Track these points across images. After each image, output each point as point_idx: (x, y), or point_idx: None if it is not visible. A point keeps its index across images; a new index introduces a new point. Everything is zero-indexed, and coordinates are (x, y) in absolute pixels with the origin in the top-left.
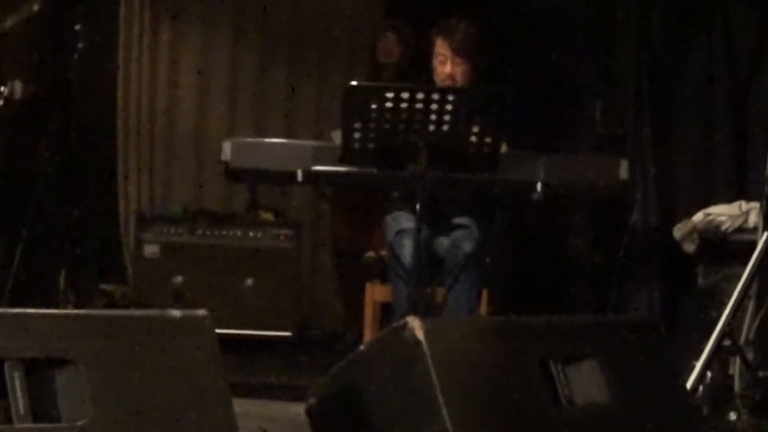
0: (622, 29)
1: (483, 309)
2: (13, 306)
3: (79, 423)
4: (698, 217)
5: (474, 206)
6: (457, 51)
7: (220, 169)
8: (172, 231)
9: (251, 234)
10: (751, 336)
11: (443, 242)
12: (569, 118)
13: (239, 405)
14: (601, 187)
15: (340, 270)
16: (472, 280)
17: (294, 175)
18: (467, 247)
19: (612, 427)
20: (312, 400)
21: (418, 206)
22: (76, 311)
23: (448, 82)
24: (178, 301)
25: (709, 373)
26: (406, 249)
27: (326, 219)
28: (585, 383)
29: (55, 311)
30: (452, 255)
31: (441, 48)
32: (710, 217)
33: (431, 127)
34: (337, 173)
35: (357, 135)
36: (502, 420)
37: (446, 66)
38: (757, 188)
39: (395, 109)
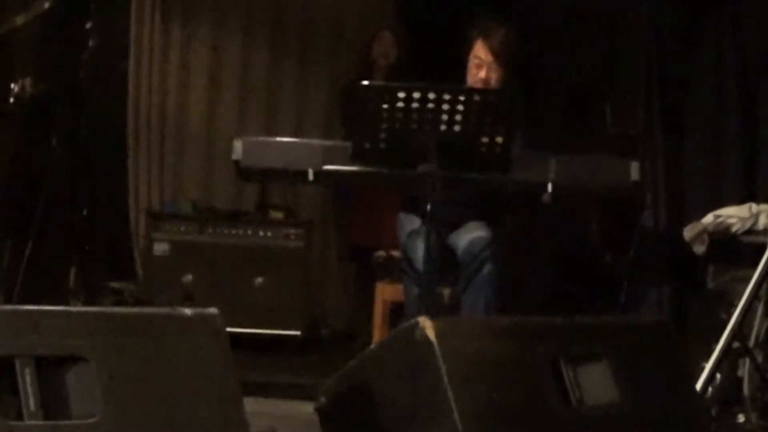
0: (633, 31)
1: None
2: (23, 303)
3: (89, 420)
4: (708, 218)
5: (485, 207)
6: (496, 56)
7: (230, 168)
8: (182, 229)
9: (261, 233)
10: (760, 338)
11: (455, 243)
12: (580, 120)
13: (249, 404)
14: (611, 188)
15: (350, 269)
16: (487, 282)
17: (305, 174)
18: (482, 249)
19: (622, 428)
20: (322, 399)
21: (429, 206)
22: (87, 308)
23: (481, 86)
24: (188, 299)
25: (718, 375)
26: (419, 249)
27: (335, 217)
28: (595, 383)
29: (66, 308)
30: (467, 258)
31: (480, 51)
32: (720, 219)
33: (442, 127)
34: (347, 173)
35: (368, 135)
36: (512, 420)
37: (482, 71)
38: (767, 190)
39: (406, 108)
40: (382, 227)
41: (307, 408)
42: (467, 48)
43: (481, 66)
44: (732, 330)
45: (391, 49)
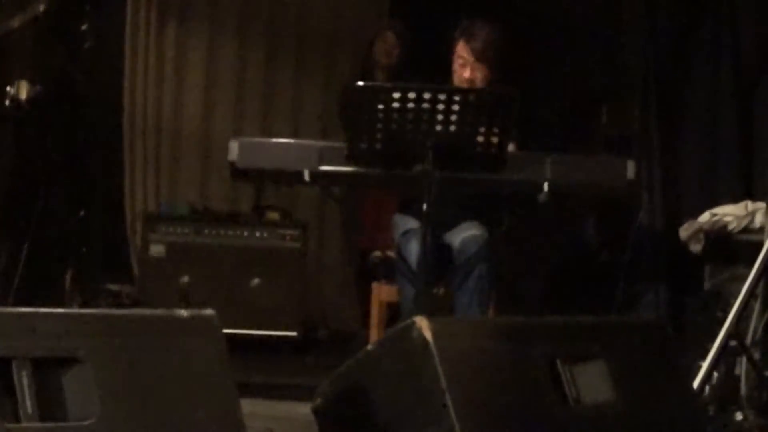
0: (629, 30)
1: (490, 309)
2: (20, 305)
3: (86, 422)
4: (704, 217)
5: (481, 207)
6: (478, 56)
7: (226, 169)
8: (179, 231)
9: (257, 234)
10: (757, 336)
11: (450, 243)
12: (576, 119)
13: (245, 405)
14: (607, 188)
15: (347, 270)
16: (481, 282)
17: (301, 174)
18: (476, 249)
19: (619, 427)
20: (319, 400)
21: (425, 206)
22: (83, 310)
23: (466, 86)
24: (184, 300)
25: (715, 374)
26: (413, 249)
27: (333, 218)
28: (592, 383)
29: (63, 310)
30: (461, 257)
31: (462, 51)
32: (716, 218)
33: (438, 128)
34: (343, 173)
35: (364, 135)
36: (509, 420)
37: (466, 70)
38: (764, 188)
39: (402, 109)
40: (373, 228)
41: (304, 409)
42: (452, 49)
43: (464, 66)
44: (729, 328)
45: (393, 49)
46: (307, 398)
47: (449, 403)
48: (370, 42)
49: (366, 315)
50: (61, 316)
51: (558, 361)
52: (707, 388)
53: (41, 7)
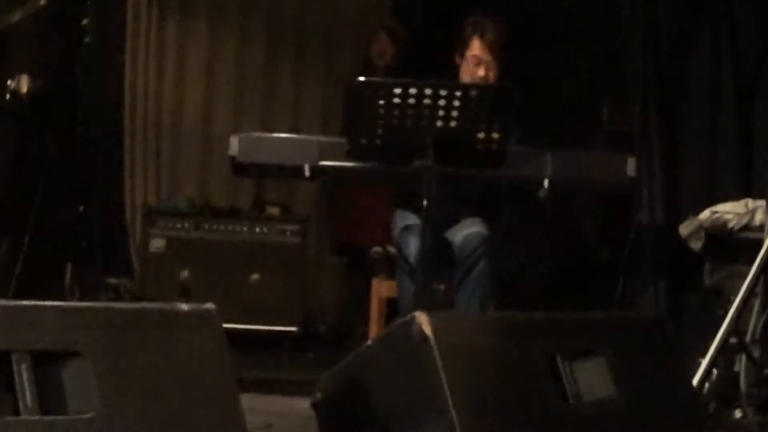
0: (629, 28)
1: (490, 307)
2: (19, 299)
3: (85, 416)
4: (704, 215)
5: (481, 202)
6: (494, 53)
7: (227, 164)
8: (179, 225)
9: (257, 229)
10: (757, 334)
11: (451, 239)
12: (577, 116)
13: (245, 400)
14: (608, 185)
15: (346, 265)
16: (482, 279)
17: (301, 170)
18: (478, 246)
19: (619, 424)
20: (318, 395)
21: (425, 202)
22: (83, 304)
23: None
24: (184, 295)
25: (715, 371)
26: (412, 245)
27: (327, 213)
28: (592, 380)
29: (63, 304)
30: (463, 254)
31: (477, 50)
32: (716, 215)
33: (439, 123)
34: (344, 168)
35: (364, 131)
36: (509, 416)
37: (481, 69)
38: (764, 186)
39: (403, 104)
40: (371, 223)
41: (304, 404)
42: (462, 47)
43: (480, 65)
44: (728, 326)
45: (387, 49)
46: (307, 393)
47: (449, 398)
48: (366, 44)
49: (359, 309)
50: (61, 310)
51: (558, 358)
52: (707, 385)
53: (42, 1)
